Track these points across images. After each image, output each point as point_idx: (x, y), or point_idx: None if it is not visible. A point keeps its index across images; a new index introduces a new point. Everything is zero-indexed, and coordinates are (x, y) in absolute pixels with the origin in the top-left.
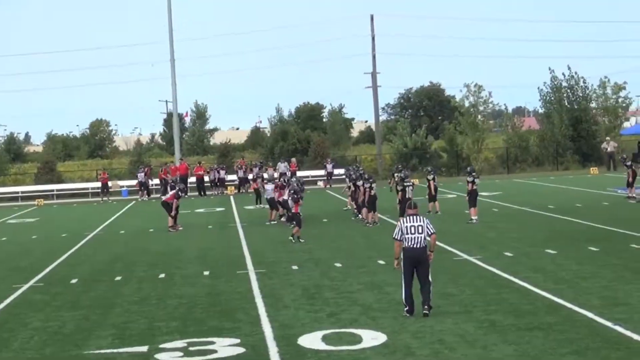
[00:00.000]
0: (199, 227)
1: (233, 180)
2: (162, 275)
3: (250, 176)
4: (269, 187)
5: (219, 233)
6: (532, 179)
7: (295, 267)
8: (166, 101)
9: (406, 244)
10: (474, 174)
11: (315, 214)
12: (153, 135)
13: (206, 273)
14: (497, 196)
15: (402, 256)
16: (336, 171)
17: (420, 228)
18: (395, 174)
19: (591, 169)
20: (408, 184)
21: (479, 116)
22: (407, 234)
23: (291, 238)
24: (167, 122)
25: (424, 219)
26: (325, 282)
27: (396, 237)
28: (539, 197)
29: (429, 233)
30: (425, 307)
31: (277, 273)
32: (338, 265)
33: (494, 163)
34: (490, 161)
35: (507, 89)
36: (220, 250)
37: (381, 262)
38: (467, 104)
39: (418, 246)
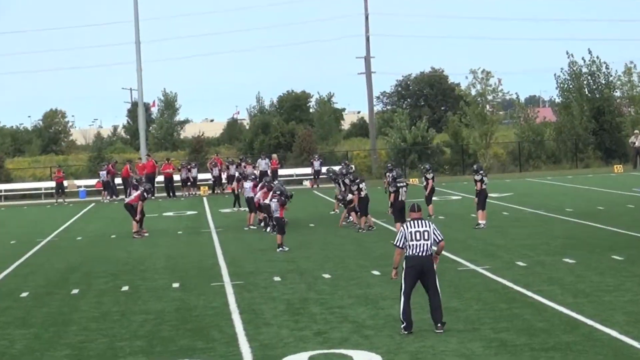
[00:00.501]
0: (167, 233)
1: (206, 180)
2: (125, 288)
3: (224, 176)
4: (248, 184)
5: (190, 240)
6: (547, 178)
7: (277, 279)
8: (130, 89)
9: (410, 252)
10: (481, 172)
11: (300, 218)
12: (115, 128)
13: (175, 285)
14: (507, 198)
15: (403, 265)
16: (325, 169)
17: (426, 234)
18: (387, 174)
19: (615, 166)
20: (401, 184)
21: (487, 106)
22: (412, 240)
23: (280, 249)
24: (132, 113)
25: (430, 223)
26: (311, 295)
27: (397, 244)
28: (555, 198)
29: (437, 240)
30: (439, 325)
31: (257, 285)
32: (326, 276)
33: (505, 160)
34: (500, 158)
35: (519, 75)
36: (192, 259)
37: (375, 272)
38: (473, 92)
39: (424, 254)
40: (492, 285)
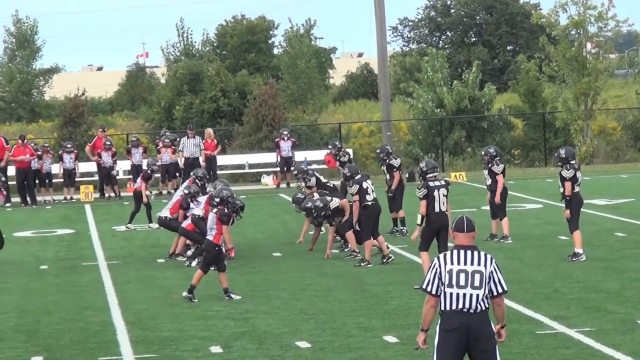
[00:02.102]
0: (22, 269)
1: (90, 174)
2: None
3: (117, 166)
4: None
5: (63, 280)
6: None
7: (216, 350)
8: None
9: (447, 305)
10: (573, 162)
11: (258, 241)
12: None
13: None
14: (624, 207)
15: (437, 329)
16: (299, 156)
17: (477, 277)
18: (382, 166)
19: None
20: (436, 183)
21: (589, 45)
22: (451, 285)
23: (227, 297)
24: None
25: (489, 258)
26: None
27: (429, 289)
28: None
29: (495, 291)
30: None
31: None
32: (302, 345)
33: (619, 140)
34: (610, 136)
35: None
36: (66, 314)
37: (390, 338)
38: (563, 20)
39: (472, 310)
40: None
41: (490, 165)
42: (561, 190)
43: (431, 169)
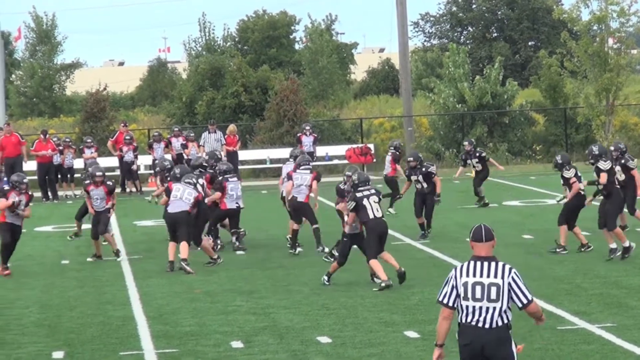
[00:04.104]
0: (43, 264)
1: (111, 169)
2: None
3: (139, 161)
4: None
5: (84, 275)
6: None
7: (237, 345)
8: None
9: (463, 317)
10: (603, 159)
11: (277, 236)
12: None
13: (58, 355)
14: None
15: (458, 344)
16: (321, 151)
17: (494, 290)
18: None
19: None
20: (367, 192)
21: (610, 41)
22: (467, 297)
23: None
24: None
25: (506, 268)
26: None
27: (445, 301)
28: None
29: (522, 303)
30: None
31: (202, 357)
32: (324, 340)
33: None
34: (632, 131)
35: None
36: (87, 309)
37: (411, 334)
38: (585, 15)
39: (487, 325)
40: (618, 355)
41: (563, 170)
42: (599, 185)
43: (362, 182)
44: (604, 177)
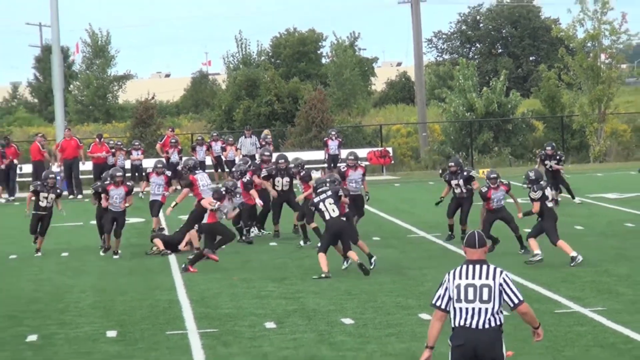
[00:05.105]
0: (98, 254)
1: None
2: (32, 338)
3: (181, 163)
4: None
5: (134, 264)
6: None
7: (270, 325)
8: (40, 25)
9: (457, 320)
10: (536, 187)
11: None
12: (16, 87)
13: (111, 334)
14: (632, 200)
15: (450, 346)
16: (345, 154)
17: (486, 290)
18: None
19: None
20: (323, 196)
21: (603, 56)
22: (460, 300)
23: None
24: (42, 64)
25: (497, 271)
26: (324, 352)
27: (438, 304)
28: None
29: (513, 303)
30: None
31: (239, 336)
32: (347, 321)
33: (628, 141)
34: (621, 137)
35: None
36: (137, 294)
37: (425, 316)
38: (580, 33)
39: (480, 326)
40: (608, 336)
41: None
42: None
43: (320, 184)
44: (536, 207)
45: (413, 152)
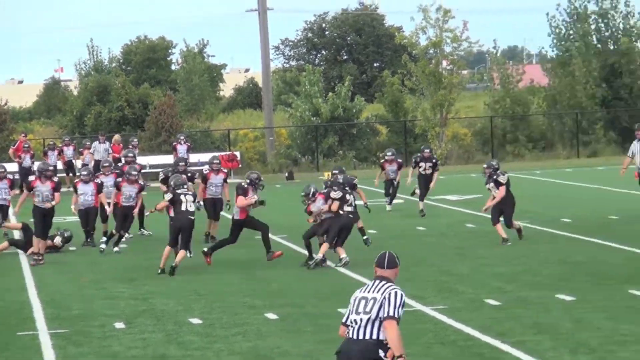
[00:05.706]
0: None
1: (11, 173)
2: None
3: (34, 167)
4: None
5: None
6: (534, 172)
7: (120, 325)
8: None
9: (348, 333)
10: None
11: (155, 234)
12: None
13: None
14: (473, 202)
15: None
16: (194, 158)
17: (371, 302)
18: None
19: None
20: (184, 190)
21: (444, 62)
22: (352, 311)
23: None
24: None
25: (390, 287)
26: (172, 351)
27: (343, 320)
28: (546, 203)
29: (384, 313)
30: None
31: (89, 336)
32: (195, 321)
33: (470, 144)
34: (462, 140)
35: (494, 16)
36: None
37: (271, 315)
38: (423, 40)
39: (355, 336)
40: (449, 334)
41: (495, 177)
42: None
43: (179, 185)
44: (502, 191)
45: (260, 156)
